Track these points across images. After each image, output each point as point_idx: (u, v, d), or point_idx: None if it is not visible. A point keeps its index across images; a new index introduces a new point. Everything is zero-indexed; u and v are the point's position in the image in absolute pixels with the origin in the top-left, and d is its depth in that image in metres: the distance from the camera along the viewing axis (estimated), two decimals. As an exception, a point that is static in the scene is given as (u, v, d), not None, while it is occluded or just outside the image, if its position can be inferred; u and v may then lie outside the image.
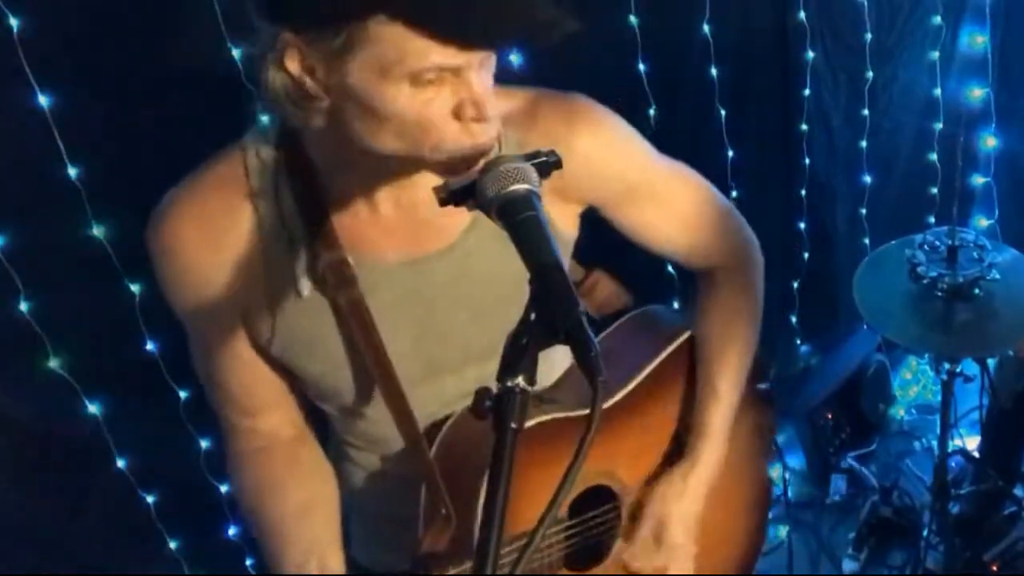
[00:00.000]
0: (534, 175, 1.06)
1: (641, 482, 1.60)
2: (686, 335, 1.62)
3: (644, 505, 1.58)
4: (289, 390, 1.44)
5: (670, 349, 1.61)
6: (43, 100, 1.66)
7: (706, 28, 2.59)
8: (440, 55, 1.04)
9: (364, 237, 1.29)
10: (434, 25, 1.02)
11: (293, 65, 1.09)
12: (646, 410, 1.59)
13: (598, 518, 1.57)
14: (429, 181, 1.13)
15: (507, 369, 0.94)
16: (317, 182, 1.25)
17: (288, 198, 1.26)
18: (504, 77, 1.21)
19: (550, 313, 0.94)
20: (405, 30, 1.02)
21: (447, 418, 1.42)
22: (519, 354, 0.94)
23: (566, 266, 1.44)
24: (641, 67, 2.44)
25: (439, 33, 1.03)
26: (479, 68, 1.10)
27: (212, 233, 1.25)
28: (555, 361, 1.53)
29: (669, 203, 1.48)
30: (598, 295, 1.71)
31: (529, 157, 1.09)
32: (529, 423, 1.30)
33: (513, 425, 0.92)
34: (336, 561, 1.43)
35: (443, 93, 1.09)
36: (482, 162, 1.09)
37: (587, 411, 1.37)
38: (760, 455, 1.82)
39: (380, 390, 1.36)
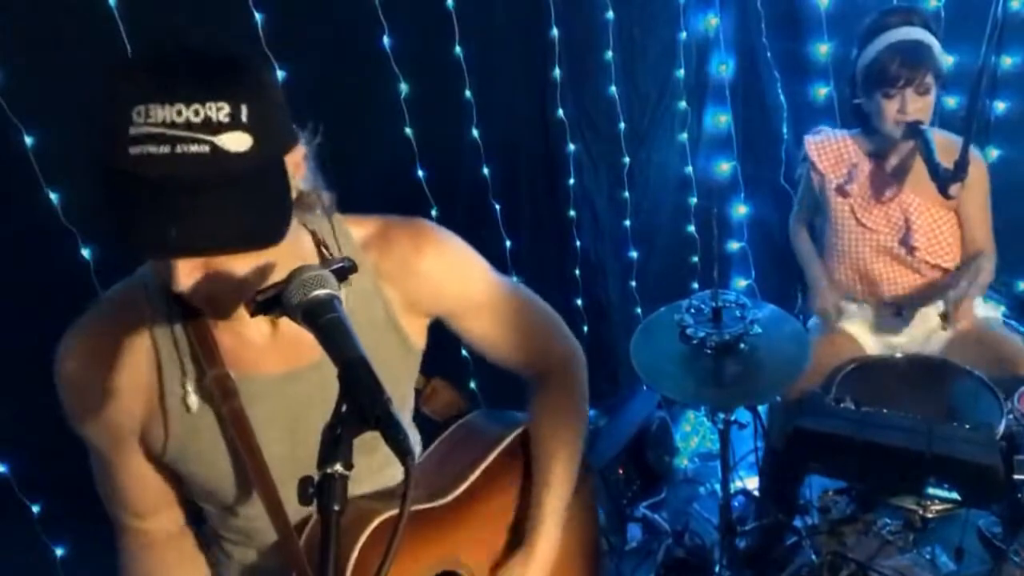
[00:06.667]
0: (333, 280, 1.16)
1: (485, 567, 1.69)
2: (516, 431, 1.75)
3: None
4: (174, 493, 1.54)
5: (503, 445, 1.73)
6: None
7: (475, 132, 2.75)
8: None
9: (244, 354, 1.40)
10: (109, 209, 1.12)
11: None
12: (487, 500, 1.69)
13: None
14: None
15: (326, 457, 1.02)
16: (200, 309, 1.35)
17: (178, 322, 1.37)
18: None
19: (360, 403, 1.03)
20: None
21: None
22: (335, 443, 1.02)
23: (413, 379, 1.61)
24: (420, 172, 2.57)
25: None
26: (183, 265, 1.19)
27: (109, 361, 1.35)
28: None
29: (504, 317, 1.63)
30: (438, 401, 1.83)
31: (326, 264, 1.20)
32: (381, 517, 1.44)
33: (336, 507, 1.00)
34: None
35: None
36: (286, 273, 1.18)
37: (431, 504, 1.56)
38: (590, 528, 1.93)
39: (257, 490, 1.44)
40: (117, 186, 1.10)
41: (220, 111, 1.10)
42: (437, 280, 1.50)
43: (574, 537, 1.81)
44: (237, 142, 1.11)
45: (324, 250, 1.42)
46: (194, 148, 1.08)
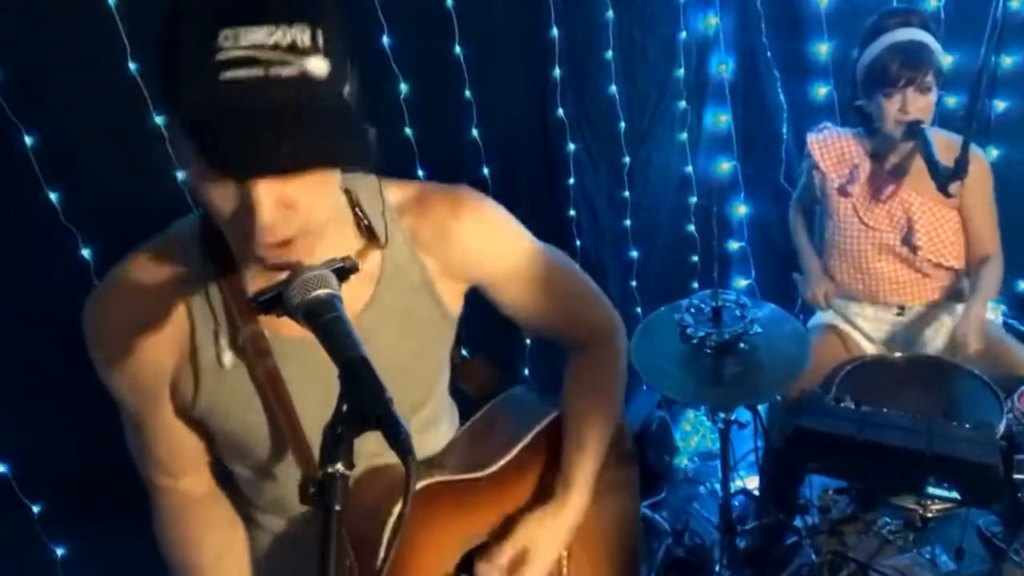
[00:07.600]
0: (334, 280, 1.16)
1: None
2: (553, 414, 1.70)
3: (511, 531, 1.63)
4: (205, 454, 1.52)
5: (540, 426, 1.68)
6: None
7: (475, 132, 2.75)
8: (209, 170, 1.09)
9: None
10: (197, 144, 1.06)
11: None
12: (520, 480, 1.67)
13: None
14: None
15: (327, 457, 1.02)
16: (235, 263, 1.33)
17: (212, 278, 1.34)
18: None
19: (360, 403, 1.03)
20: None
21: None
22: (336, 442, 1.02)
23: (449, 345, 1.58)
24: (420, 173, 2.56)
25: (200, 152, 1.06)
26: (269, 195, 1.12)
27: (138, 312, 1.33)
28: (442, 433, 1.67)
29: (544, 285, 1.58)
30: (475, 378, 1.80)
31: (327, 264, 1.19)
32: (419, 484, 1.44)
33: (337, 507, 1.01)
34: None
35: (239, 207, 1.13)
36: (286, 272, 1.17)
37: (470, 475, 1.56)
38: (627, 509, 1.92)
39: (291, 450, 1.42)
40: (204, 114, 1.05)
41: (304, 34, 1.07)
42: (475, 247, 1.47)
43: (609, 515, 1.80)
44: (319, 67, 1.08)
45: (359, 211, 1.40)
46: (286, 71, 1.06)
